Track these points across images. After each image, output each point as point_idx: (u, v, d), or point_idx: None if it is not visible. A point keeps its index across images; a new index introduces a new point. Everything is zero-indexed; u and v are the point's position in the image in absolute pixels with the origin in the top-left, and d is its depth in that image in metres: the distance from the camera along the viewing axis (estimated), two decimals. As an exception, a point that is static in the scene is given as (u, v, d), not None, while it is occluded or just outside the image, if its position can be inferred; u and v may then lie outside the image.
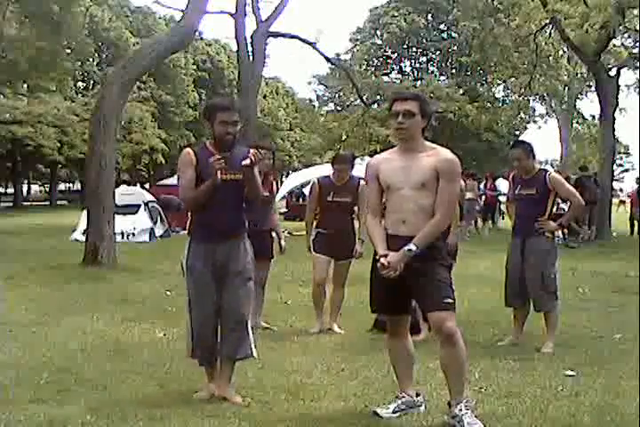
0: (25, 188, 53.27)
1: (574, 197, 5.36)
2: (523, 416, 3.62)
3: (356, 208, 5.88)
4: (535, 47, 19.93)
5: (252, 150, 4.00)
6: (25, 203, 43.12)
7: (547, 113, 38.77)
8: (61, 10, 24.12)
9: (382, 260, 3.48)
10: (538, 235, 5.27)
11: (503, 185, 26.54)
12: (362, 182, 5.85)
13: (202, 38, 45.78)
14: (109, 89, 10.63)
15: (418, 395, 3.78)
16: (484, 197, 18.51)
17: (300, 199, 25.64)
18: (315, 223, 5.94)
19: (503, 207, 19.10)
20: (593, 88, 21.57)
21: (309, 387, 4.15)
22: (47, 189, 52.74)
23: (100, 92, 11.70)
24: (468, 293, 7.39)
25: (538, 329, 5.52)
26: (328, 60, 20.87)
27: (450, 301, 3.48)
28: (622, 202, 32.77)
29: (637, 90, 24.88)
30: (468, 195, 15.74)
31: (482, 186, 18.86)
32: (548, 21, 17.73)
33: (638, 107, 24.68)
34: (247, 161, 3.83)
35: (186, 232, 4.10)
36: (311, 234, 5.92)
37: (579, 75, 28.44)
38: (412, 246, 3.46)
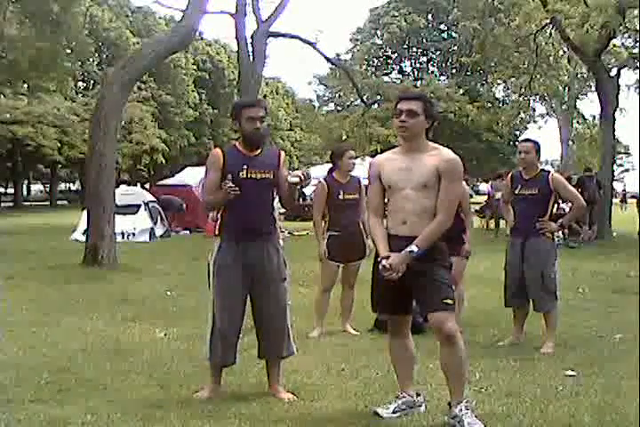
0: (25, 188, 53.25)
1: (576, 198, 5.36)
2: (523, 416, 3.62)
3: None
4: (535, 47, 19.91)
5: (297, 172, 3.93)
6: (25, 203, 43.15)
7: (547, 113, 38.74)
8: (61, 10, 24.08)
9: (384, 262, 3.48)
10: (538, 235, 5.27)
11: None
12: (361, 179, 5.82)
13: (202, 38, 45.82)
14: (109, 89, 10.63)
15: (418, 395, 3.78)
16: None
17: (300, 199, 25.62)
18: (326, 225, 5.71)
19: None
20: (593, 88, 21.54)
21: (309, 387, 4.15)
22: (47, 189, 52.77)
23: (100, 92, 11.69)
24: (468, 293, 7.36)
25: (538, 329, 5.52)
26: (328, 60, 20.86)
27: (449, 301, 3.48)
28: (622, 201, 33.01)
29: (637, 90, 24.84)
30: (497, 195, 15.87)
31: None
32: (548, 21, 17.71)
33: (638, 107, 24.64)
34: (296, 179, 3.83)
35: (207, 233, 4.11)
36: (324, 237, 5.68)
37: (579, 75, 28.44)
38: (413, 248, 3.46)
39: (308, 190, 26.26)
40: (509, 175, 5.64)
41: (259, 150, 4.01)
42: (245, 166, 3.94)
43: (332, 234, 5.69)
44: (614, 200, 22.26)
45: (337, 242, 5.65)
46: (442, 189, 3.53)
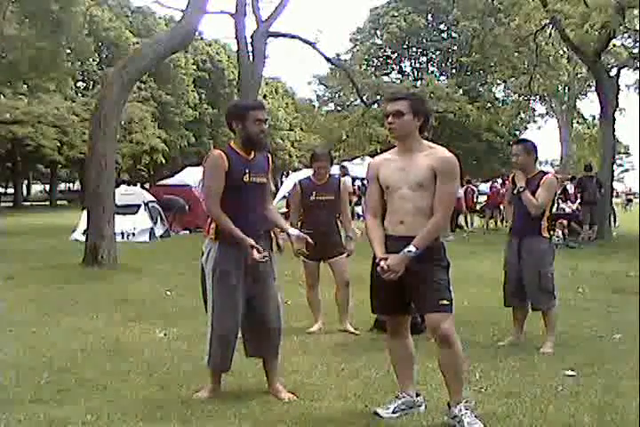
0: (25, 188, 53.23)
1: (536, 204, 5.22)
2: (523, 416, 3.62)
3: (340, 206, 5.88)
4: (535, 47, 19.93)
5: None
6: (25, 203, 43.14)
7: (547, 113, 38.78)
8: (61, 10, 24.13)
9: (382, 263, 3.48)
10: (534, 234, 5.28)
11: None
12: (342, 180, 5.94)
13: (202, 38, 45.79)
14: (109, 89, 10.62)
15: (418, 395, 3.78)
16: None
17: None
18: (299, 225, 5.90)
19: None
20: (593, 88, 21.56)
21: (309, 387, 4.15)
22: (47, 189, 52.79)
23: (100, 92, 11.69)
24: (468, 293, 7.39)
25: (538, 329, 5.52)
26: (328, 60, 20.85)
27: (446, 302, 3.48)
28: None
29: (637, 90, 24.88)
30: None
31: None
32: (548, 21, 17.73)
33: (638, 107, 24.67)
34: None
35: (206, 234, 4.02)
36: None
37: (579, 75, 28.45)
38: (411, 248, 3.46)
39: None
40: (512, 176, 5.63)
41: (253, 153, 3.97)
42: (247, 170, 3.91)
43: (304, 232, 5.79)
44: (617, 200, 22.30)
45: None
46: (438, 189, 3.53)
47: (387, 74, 43.34)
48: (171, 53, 12.77)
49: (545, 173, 5.39)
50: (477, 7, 23.63)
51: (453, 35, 41.87)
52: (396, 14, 41.00)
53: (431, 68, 44.33)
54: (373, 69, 42.24)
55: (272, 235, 5.94)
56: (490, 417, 3.58)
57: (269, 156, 4.14)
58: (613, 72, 18.79)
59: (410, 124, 3.59)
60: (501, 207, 16.90)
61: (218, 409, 3.73)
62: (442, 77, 42.82)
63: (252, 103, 4.11)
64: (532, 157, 5.35)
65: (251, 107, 3.96)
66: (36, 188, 63.32)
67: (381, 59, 43.32)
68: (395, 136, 3.65)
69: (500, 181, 20.18)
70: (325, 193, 5.79)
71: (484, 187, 25.27)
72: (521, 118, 38.35)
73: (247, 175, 3.91)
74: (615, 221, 20.97)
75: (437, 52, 43.80)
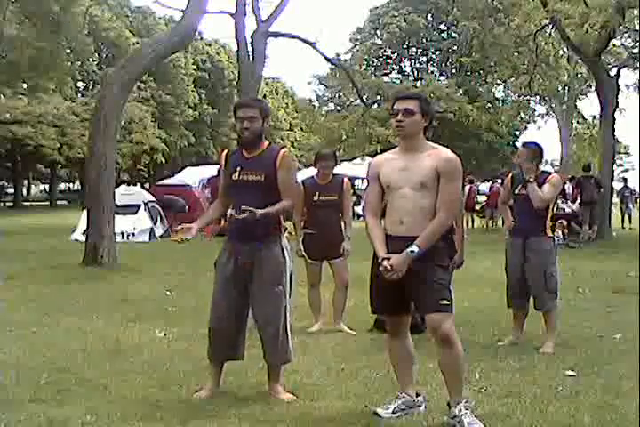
0: (25, 188, 53.20)
1: (542, 199, 5.23)
2: (523, 416, 3.62)
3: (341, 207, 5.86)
4: (535, 47, 19.92)
5: (282, 151, 3.97)
6: (25, 203, 43.15)
7: (547, 113, 38.74)
8: (61, 10, 24.12)
9: (385, 263, 3.47)
10: (538, 234, 5.28)
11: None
12: (345, 180, 5.89)
13: (202, 38, 45.83)
14: (109, 89, 10.63)
15: (418, 395, 3.77)
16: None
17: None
18: (302, 224, 5.89)
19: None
20: (593, 88, 21.56)
21: (309, 387, 4.15)
22: (47, 189, 52.76)
23: (100, 92, 11.69)
24: (468, 293, 7.39)
25: (538, 329, 5.52)
26: (328, 60, 20.85)
27: (446, 302, 3.47)
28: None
29: (637, 90, 24.85)
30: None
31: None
32: (548, 21, 17.73)
33: (638, 107, 24.61)
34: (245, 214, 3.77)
35: (207, 233, 4.15)
36: (300, 235, 5.89)
37: (579, 75, 28.43)
38: (414, 248, 3.45)
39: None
40: (510, 175, 5.63)
41: (257, 151, 3.98)
42: (239, 168, 3.95)
43: (307, 232, 5.87)
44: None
45: (311, 240, 5.83)
46: (441, 189, 3.52)
47: (387, 74, 43.39)
48: (171, 53, 12.78)
49: (548, 173, 5.41)
50: (477, 7, 23.64)
51: (453, 35, 41.89)
52: (395, 14, 41.05)
53: (431, 68, 44.38)
54: (373, 69, 42.29)
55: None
56: (490, 417, 3.57)
57: (280, 151, 3.96)
58: (613, 72, 18.79)
59: (418, 123, 3.58)
60: None
61: (218, 409, 3.72)
62: (442, 77, 42.87)
63: (238, 102, 4.18)
64: (539, 159, 5.38)
65: (235, 105, 4.07)
66: (37, 188, 63.31)
67: (381, 59, 43.36)
68: (401, 135, 3.62)
69: (500, 181, 20.17)
70: (329, 193, 5.78)
71: (484, 187, 25.28)
72: (521, 118, 38.31)
73: (237, 173, 3.95)
74: (630, 220, 21.11)
75: (437, 52, 43.85)
